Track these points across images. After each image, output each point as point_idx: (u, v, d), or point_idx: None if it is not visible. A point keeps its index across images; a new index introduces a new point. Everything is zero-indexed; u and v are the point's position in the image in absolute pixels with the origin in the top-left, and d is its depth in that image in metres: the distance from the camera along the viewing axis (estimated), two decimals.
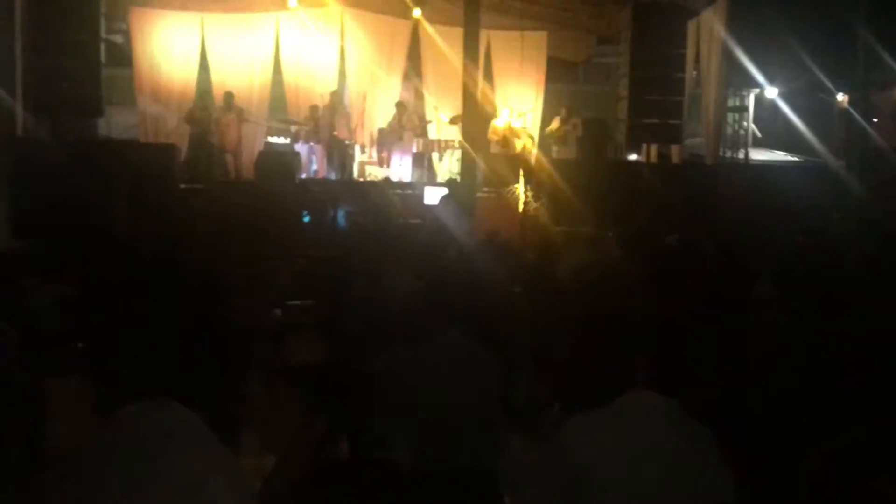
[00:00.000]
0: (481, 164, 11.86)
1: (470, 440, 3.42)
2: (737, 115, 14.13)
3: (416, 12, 13.55)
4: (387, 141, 13.64)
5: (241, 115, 12.98)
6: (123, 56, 14.34)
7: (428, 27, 13.72)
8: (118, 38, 14.12)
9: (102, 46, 11.97)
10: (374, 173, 13.56)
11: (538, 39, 14.49)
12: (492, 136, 12.96)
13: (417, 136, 13.92)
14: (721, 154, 13.52)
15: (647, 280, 5.80)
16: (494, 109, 13.62)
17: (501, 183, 11.51)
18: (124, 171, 10.55)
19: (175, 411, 2.27)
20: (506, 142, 13.06)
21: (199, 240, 9.54)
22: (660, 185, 11.17)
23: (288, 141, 13.64)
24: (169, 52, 13.42)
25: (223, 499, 2.18)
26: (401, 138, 13.63)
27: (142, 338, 4.01)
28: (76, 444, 2.38)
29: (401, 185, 12.86)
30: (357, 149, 13.57)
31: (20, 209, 8.97)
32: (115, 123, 13.93)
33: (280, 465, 2.44)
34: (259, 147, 13.39)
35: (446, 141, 13.72)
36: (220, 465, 2.24)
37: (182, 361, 2.41)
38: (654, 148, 13.63)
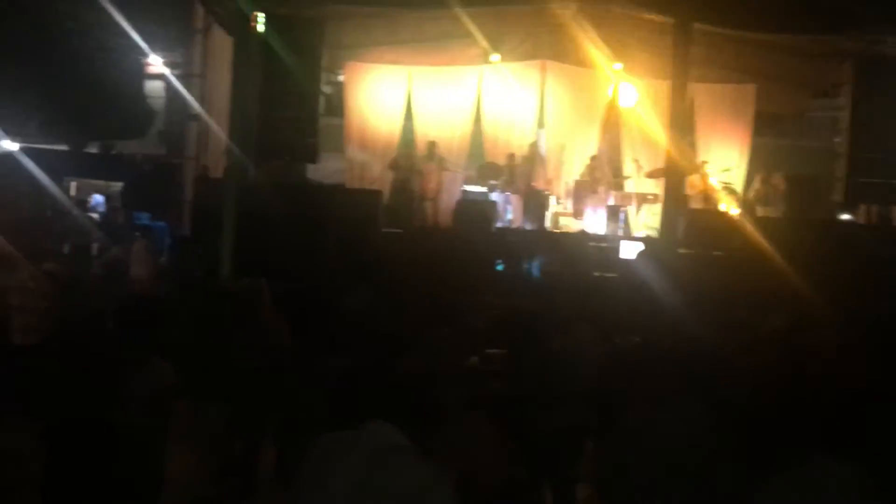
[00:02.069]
0: (683, 221, 11.48)
1: None
2: None
3: (617, 66, 13.49)
4: (582, 193, 13.58)
5: (441, 164, 13.39)
6: (331, 106, 15.24)
7: (629, 80, 13.58)
8: (327, 89, 15.04)
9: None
10: (569, 225, 13.52)
11: (746, 93, 13.97)
12: (690, 191, 12.57)
13: (613, 188, 13.78)
14: None
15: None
16: (696, 164, 13.22)
17: (704, 240, 11.09)
18: (332, 215, 11.12)
19: (394, 433, 2.51)
20: (707, 198, 12.61)
21: (400, 284, 9.87)
22: (881, 249, 10.31)
23: (485, 190, 13.90)
24: (378, 102, 14.14)
25: None
26: (595, 191, 13.53)
27: (357, 374, 4.20)
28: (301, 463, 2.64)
29: (596, 237, 12.72)
30: (552, 200, 13.59)
31: (242, 250, 9.61)
32: (319, 169, 14.75)
33: (465, 485, 2.62)
34: (457, 195, 13.73)
35: (643, 194, 13.46)
36: (439, 480, 2.43)
37: (390, 398, 2.63)
38: (872, 209, 12.67)
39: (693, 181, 12.78)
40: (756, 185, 13.18)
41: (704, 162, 13.22)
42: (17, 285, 7.28)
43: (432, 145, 13.41)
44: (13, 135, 16.58)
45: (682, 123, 11.34)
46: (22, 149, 15.07)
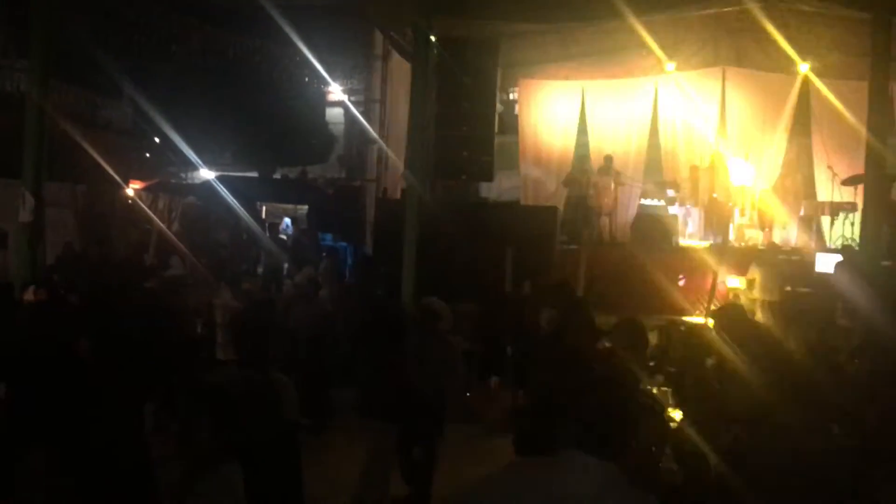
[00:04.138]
0: (886, 230, 10.60)
1: None
2: None
3: (804, 67, 12.74)
4: (769, 203, 12.87)
5: (617, 179, 13.12)
6: (503, 124, 15.35)
7: (818, 82, 12.75)
8: (500, 108, 15.16)
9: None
10: (754, 237, 12.86)
11: None
12: None
13: (803, 198, 12.97)
14: None
15: None
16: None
17: None
18: (510, 232, 11.15)
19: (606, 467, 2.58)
20: None
21: (579, 300, 9.70)
22: None
23: (663, 203, 13.48)
24: (551, 118, 14.09)
25: None
26: (784, 201, 12.79)
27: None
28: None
29: (786, 250, 12.02)
30: (737, 212, 12.95)
31: (422, 268, 9.80)
32: (493, 186, 14.83)
33: None
34: (633, 209, 13.40)
35: (839, 203, 12.55)
36: None
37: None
38: None
39: None
40: None
41: None
42: (222, 303, 7.81)
43: (608, 159, 13.17)
44: (210, 164, 17.95)
45: (882, 126, 10.48)
46: (218, 177, 16.22)
